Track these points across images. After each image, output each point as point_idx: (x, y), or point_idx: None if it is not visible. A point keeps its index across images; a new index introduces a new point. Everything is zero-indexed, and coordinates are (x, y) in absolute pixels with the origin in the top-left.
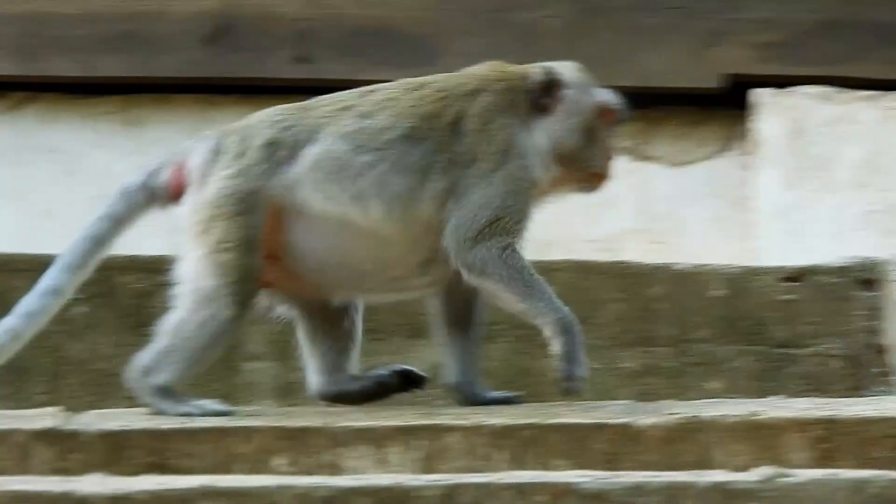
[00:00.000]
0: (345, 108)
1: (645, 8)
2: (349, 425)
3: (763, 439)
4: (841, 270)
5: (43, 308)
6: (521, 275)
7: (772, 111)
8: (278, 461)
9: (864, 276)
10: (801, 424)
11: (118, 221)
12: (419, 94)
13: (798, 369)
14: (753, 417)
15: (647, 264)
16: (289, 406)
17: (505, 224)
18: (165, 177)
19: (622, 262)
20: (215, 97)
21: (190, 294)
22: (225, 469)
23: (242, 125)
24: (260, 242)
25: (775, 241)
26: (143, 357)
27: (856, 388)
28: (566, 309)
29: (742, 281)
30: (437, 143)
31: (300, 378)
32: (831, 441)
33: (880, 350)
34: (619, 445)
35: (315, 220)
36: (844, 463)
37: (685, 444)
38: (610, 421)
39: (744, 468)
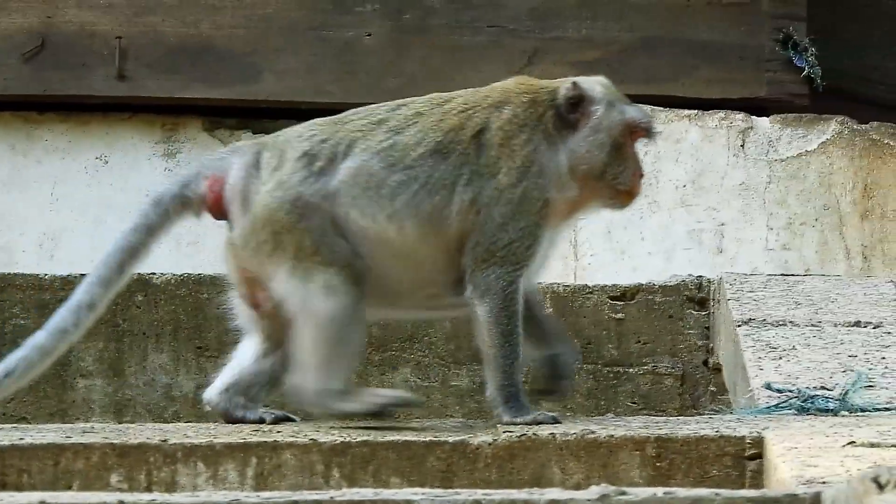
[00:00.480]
0: (378, 122)
1: (465, 27)
2: (185, 442)
3: (598, 457)
4: (671, 289)
5: (77, 323)
6: (508, 321)
7: None
8: (115, 478)
9: (695, 295)
10: (637, 443)
11: (151, 231)
12: (445, 108)
13: (631, 388)
14: (589, 435)
15: None
16: (122, 423)
17: (517, 248)
18: (202, 189)
19: None
20: (37, 114)
21: (303, 304)
22: (62, 485)
23: (278, 139)
24: (332, 238)
25: (602, 260)
26: (307, 380)
27: (690, 407)
28: (519, 378)
29: (572, 299)
30: (461, 157)
31: (133, 395)
32: (667, 459)
33: (714, 369)
34: (454, 463)
35: (352, 234)
36: (680, 481)
37: (521, 461)
38: (445, 438)
39: (580, 486)
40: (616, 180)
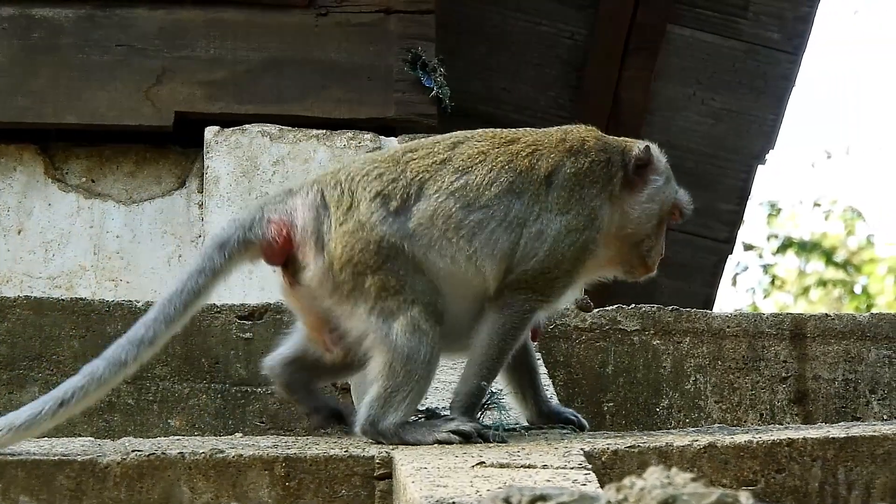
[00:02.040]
0: (442, 162)
1: (93, 46)
2: None
3: (228, 476)
4: None
5: (135, 357)
6: (512, 342)
7: (223, 149)
8: None
9: None
10: (266, 462)
11: (216, 274)
12: (511, 149)
13: (259, 407)
14: (218, 455)
15: (104, 302)
16: None
17: (555, 284)
18: (269, 234)
19: (80, 300)
20: None
21: (386, 341)
22: None
23: (338, 176)
24: (414, 277)
25: (230, 280)
26: (383, 413)
27: (318, 427)
28: (484, 395)
29: (199, 319)
30: (534, 196)
31: None
32: (296, 479)
33: (343, 388)
34: (83, 482)
35: (430, 275)
36: (310, 501)
37: (150, 480)
38: (74, 458)
39: None
40: (648, 252)
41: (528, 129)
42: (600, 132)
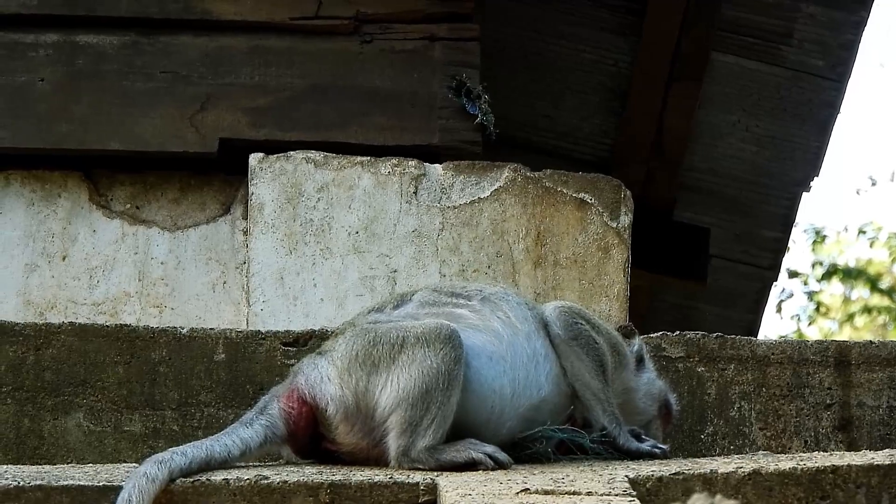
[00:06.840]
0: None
1: (137, 72)
2: None
3: (272, 503)
4: None
5: None
6: None
7: (267, 175)
8: None
9: None
10: (311, 488)
11: None
12: None
13: None
14: (263, 481)
15: (149, 328)
16: None
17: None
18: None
19: (125, 326)
20: None
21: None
22: None
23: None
24: None
25: (274, 306)
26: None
27: None
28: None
29: (244, 345)
30: None
31: None
32: None
33: None
34: None
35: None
36: None
37: None
38: (119, 483)
39: None
40: None
41: None
42: None
